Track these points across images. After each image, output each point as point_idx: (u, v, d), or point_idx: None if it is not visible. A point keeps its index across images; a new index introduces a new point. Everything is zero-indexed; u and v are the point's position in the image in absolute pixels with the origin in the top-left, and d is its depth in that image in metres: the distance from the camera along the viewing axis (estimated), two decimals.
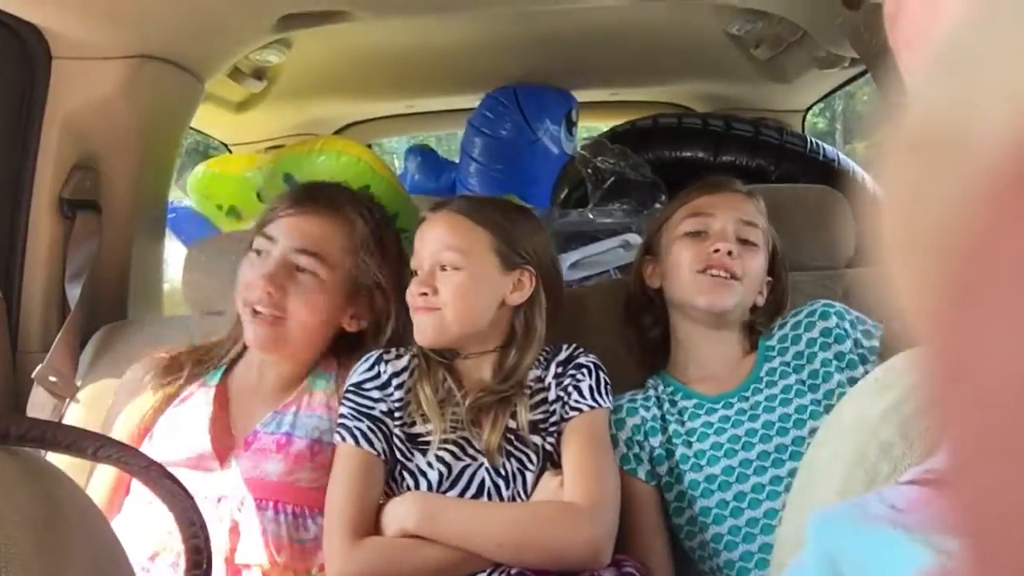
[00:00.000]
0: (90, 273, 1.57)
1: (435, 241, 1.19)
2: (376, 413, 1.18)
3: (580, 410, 1.18)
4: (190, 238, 1.96)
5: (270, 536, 1.17)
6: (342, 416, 1.18)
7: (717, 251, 1.24)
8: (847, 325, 1.26)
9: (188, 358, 1.32)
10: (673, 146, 2.42)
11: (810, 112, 2.90)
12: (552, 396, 1.20)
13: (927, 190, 0.16)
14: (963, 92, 0.16)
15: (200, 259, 1.58)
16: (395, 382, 1.20)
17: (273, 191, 2.27)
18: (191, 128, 2.14)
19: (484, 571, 1.09)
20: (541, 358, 1.23)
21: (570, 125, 2.81)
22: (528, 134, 2.70)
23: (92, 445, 0.62)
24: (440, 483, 1.14)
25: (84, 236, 1.59)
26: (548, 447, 1.17)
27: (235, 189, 2.38)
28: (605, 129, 2.73)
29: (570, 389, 1.19)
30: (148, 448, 1.23)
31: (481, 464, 1.15)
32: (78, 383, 1.48)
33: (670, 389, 1.29)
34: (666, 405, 1.27)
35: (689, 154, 2.40)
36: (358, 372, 1.22)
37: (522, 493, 1.14)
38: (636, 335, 1.38)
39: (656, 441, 1.24)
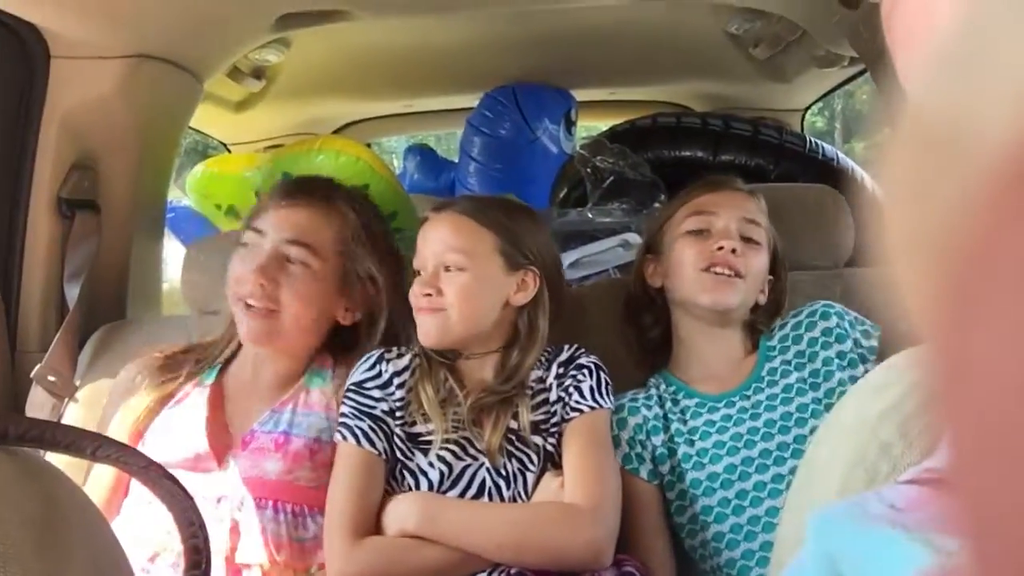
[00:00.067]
0: (89, 273, 1.57)
1: (439, 242, 1.19)
2: (377, 412, 1.17)
3: (581, 411, 1.18)
4: (189, 238, 1.96)
5: (270, 535, 1.17)
6: (343, 415, 1.18)
7: (721, 249, 1.24)
8: (847, 325, 1.27)
9: (183, 358, 1.32)
10: (672, 145, 2.42)
11: (809, 111, 2.90)
12: (553, 397, 1.20)
13: (929, 190, 0.16)
14: (964, 92, 0.16)
15: (199, 259, 1.58)
16: (396, 381, 1.20)
17: None
18: (190, 127, 2.14)
19: (484, 571, 1.09)
20: (542, 359, 1.23)
21: (569, 124, 2.81)
22: (527, 133, 2.70)
23: (91, 445, 0.62)
24: (441, 483, 1.14)
25: (83, 236, 1.59)
26: (549, 448, 1.17)
27: (234, 189, 2.38)
28: (604, 128, 2.73)
29: (571, 390, 1.19)
30: (143, 449, 1.23)
31: (482, 464, 1.15)
32: (77, 383, 1.48)
33: (672, 388, 1.29)
34: (668, 404, 1.27)
35: (688, 153, 2.40)
36: (359, 371, 1.21)
37: (523, 494, 1.14)
38: (636, 334, 1.38)
39: (658, 440, 1.24)
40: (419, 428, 1.17)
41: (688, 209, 1.31)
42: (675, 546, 1.24)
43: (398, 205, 1.69)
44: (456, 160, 2.99)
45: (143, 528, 1.16)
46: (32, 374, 1.45)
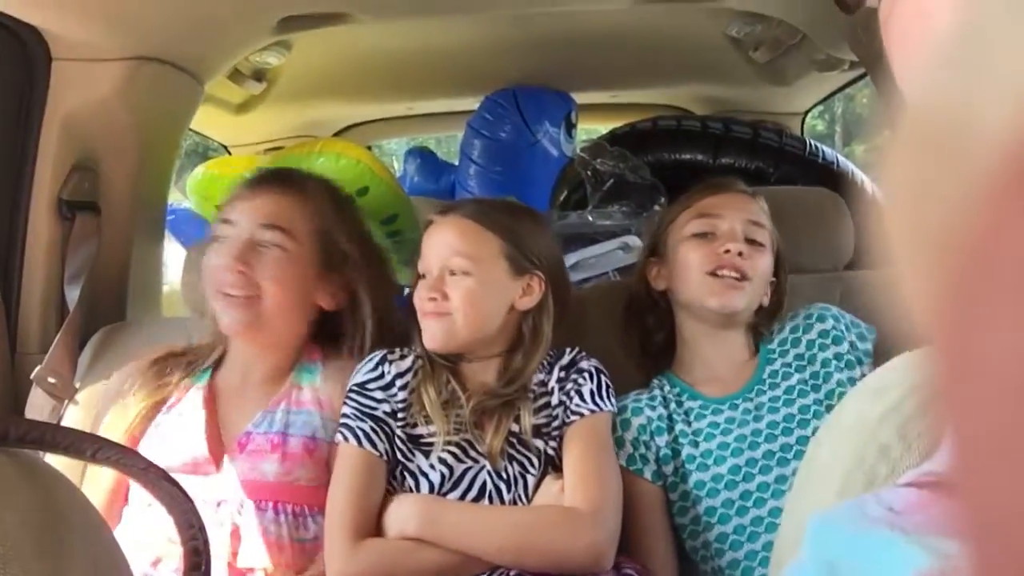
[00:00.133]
0: (89, 274, 1.57)
1: (444, 246, 1.19)
2: (379, 414, 1.17)
3: (582, 414, 1.18)
4: (189, 240, 1.96)
5: (272, 537, 1.17)
6: (345, 416, 1.18)
7: (727, 252, 1.24)
8: (843, 327, 1.28)
9: (173, 362, 1.31)
10: (672, 148, 2.43)
11: (809, 114, 2.90)
12: (555, 400, 1.20)
13: (929, 189, 0.16)
14: (963, 90, 0.16)
15: (199, 261, 1.57)
16: (399, 383, 1.20)
17: None
18: (190, 130, 2.14)
19: (484, 574, 1.09)
20: (544, 362, 1.23)
21: (569, 127, 2.81)
22: (527, 136, 2.70)
23: (91, 447, 0.62)
24: (441, 485, 1.14)
25: (83, 237, 1.59)
26: (550, 451, 1.17)
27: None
28: (604, 131, 2.73)
29: (572, 393, 1.19)
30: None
31: (483, 467, 1.15)
32: (76, 384, 1.48)
33: (676, 389, 1.29)
34: (672, 405, 1.27)
35: (688, 156, 2.41)
36: (362, 372, 1.21)
37: (523, 497, 1.14)
38: (639, 337, 1.38)
39: (662, 441, 1.24)
40: (420, 430, 1.17)
41: (692, 212, 1.30)
42: (676, 547, 1.24)
43: (398, 208, 1.69)
44: (456, 163, 2.99)
45: (145, 532, 1.16)
46: (32, 376, 1.45)
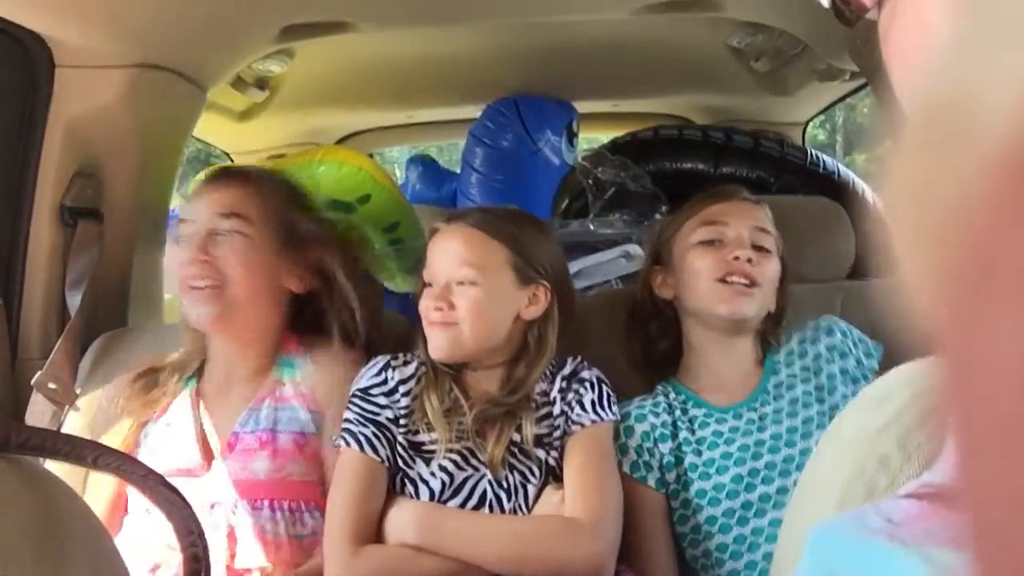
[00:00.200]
0: (91, 280, 1.57)
1: (450, 255, 1.18)
2: (381, 419, 1.17)
3: (583, 424, 1.17)
4: None
5: (268, 535, 1.17)
6: (347, 420, 1.18)
7: (736, 258, 1.24)
8: (850, 343, 1.27)
9: (157, 376, 1.32)
10: (673, 158, 2.43)
11: (810, 124, 2.91)
12: (557, 410, 1.20)
13: (932, 184, 0.16)
14: (969, 80, 0.16)
15: None
16: (402, 389, 1.20)
17: None
18: (193, 137, 2.14)
19: None
20: (547, 372, 1.22)
21: (571, 136, 2.81)
22: (529, 145, 2.70)
23: (91, 454, 0.62)
24: (442, 492, 1.14)
25: (85, 244, 1.59)
26: (551, 461, 1.17)
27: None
28: (606, 140, 2.73)
29: (573, 403, 1.19)
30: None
31: (483, 475, 1.15)
32: (77, 390, 1.48)
33: (681, 397, 1.29)
34: (677, 412, 1.27)
35: (689, 166, 2.41)
36: (366, 377, 1.21)
37: (523, 506, 1.14)
38: (642, 345, 1.37)
39: (666, 448, 1.24)
40: (422, 437, 1.17)
41: (698, 220, 1.30)
42: (677, 555, 1.23)
43: (400, 216, 1.70)
44: (458, 171, 2.99)
45: (143, 537, 1.16)
46: (33, 381, 1.45)
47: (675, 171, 2.40)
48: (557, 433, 1.18)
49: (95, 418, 1.36)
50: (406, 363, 1.23)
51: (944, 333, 0.16)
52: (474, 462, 1.15)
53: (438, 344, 1.17)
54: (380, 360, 1.23)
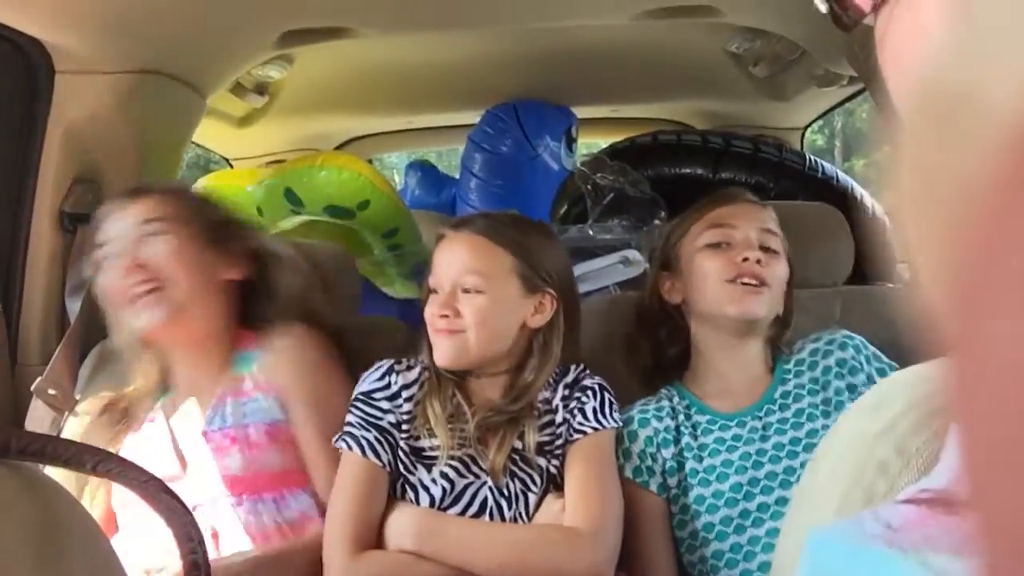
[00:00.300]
0: (90, 286, 1.57)
1: (456, 263, 1.18)
2: (384, 424, 1.17)
3: (584, 432, 1.17)
4: None
5: (253, 528, 1.18)
6: (349, 424, 1.18)
7: (745, 260, 1.24)
8: (863, 359, 1.26)
9: (121, 408, 1.32)
10: (672, 163, 2.43)
11: (809, 129, 2.91)
12: (559, 419, 1.19)
13: (943, 159, 0.16)
14: (978, 60, 0.16)
15: None
16: (405, 394, 1.19)
17: (273, 206, 2.28)
18: (192, 142, 2.14)
19: None
20: (550, 380, 1.22)
21: (570, 141, 2.82)
22: (528, 150, 2.71)
23: (92, 459, 0.62)
24: (442, 499, 1.14)
25: (85, 250, 1.59)
26: (552, 469, 1.17)
27: (236, 204, 2.38)
28: (605, 146, 2.74)
29: (575, 411, 1.19)
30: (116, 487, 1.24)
31: (484, 483, 1.15)
32: (77, 396, 1.48)
33: (685, 402, 1.29)
34: (680, 417, 1.27)
35: (688, 171, 2.41)
36: (368, 381, 1.21)
37: (524, 514, 1.14)
38: (651, 351, 1.36)
39: (668, 453, 1.24)
40: (424, 443, 1.17)
41: (704, 223, 1.30)
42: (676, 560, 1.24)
43: (399, 221, 1.70)
44: (457, 176, 3.00)
45: (143, 546, 1.16)
46: (32, 387, 1.45)
47: (674, 176, 2.40)
48: (559, 441, 1.18)
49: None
50: (409, 368, 1.22)
51: (952, 325, 0.16)
52: (475, 469, 1.15)
53: (443, 352, 1.17)
54: (384, 364, 1.23)
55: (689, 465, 1.23)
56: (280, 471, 1.22)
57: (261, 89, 2.39)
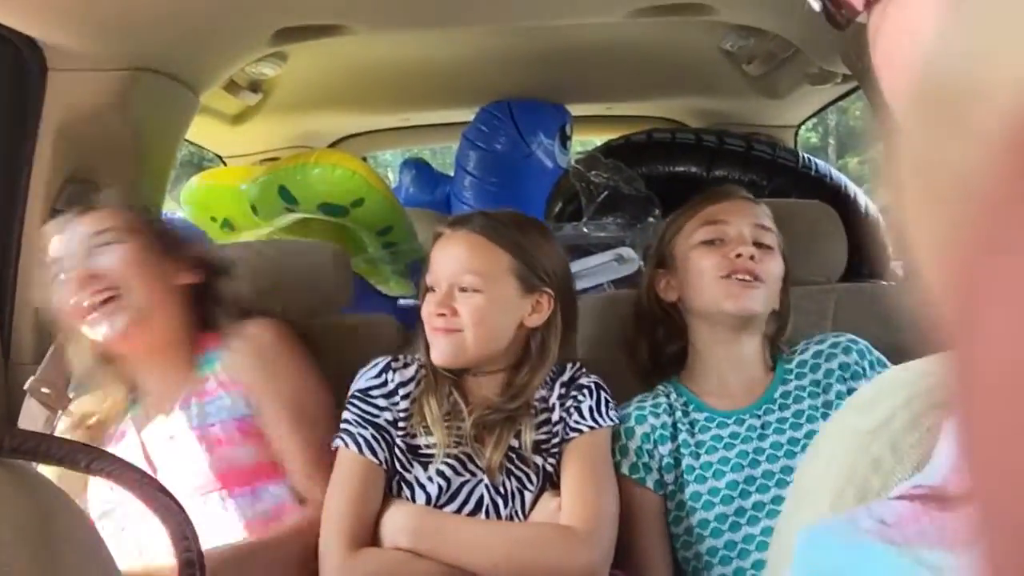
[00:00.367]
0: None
1: (454, 261, 1.18)
2: (381, 422, 1.17)
3: (580, 431, 1.17)
4: None
5: (227, 524, 1.18)
6: (346, 421, 1.18)
7: (739, 256, 1.24)
8: (866, 364, 1.25)
9: (92, 426, 1.32)
10: (667, 161, 2.43)
11: (803, 127, 2.92)
12: (556, 417, 1.19)
13: (941, 156, 0.16)
14: (978, 46, 0.16)
15: None
16: (401, 392, 1.19)
17: (267, 203, 2.28)
18: (186, 140, 2.14)
19: None
20: (547, 378, 1.22)
21: (564, 139, 2.82)
22: (522, 148, 2.71)
23: (85, 458, 0.62)
24: (439, 497, 1.14)
25: None
26: (549, 468, 1.17)
27: (230, 201, 2.38)
28: (599, 143, 2.74)
29: (571, 410, 1.19)
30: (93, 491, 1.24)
31: (480, 481, 1.15)
32: (70, 395, 1.48)
33: (683, 399, 1.29)
34: (678, 413, 1.27)
35: (682, 169, 2.41)
36: (365, 378, 1.21)
37: (520, 513, 1.14)
38: (649, 350, 1.36)
39: (665, 449, 1.24)
40: (420, 441, 1.17)
41: (698, 220, 1.30)
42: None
43: (393, 219, 1.70)
44: (451, 174, 3.00)
45: (136, 543, 1.16)
46: (26, 386, 1.45)
47: (668, 174, 2.41)
48: (555, 440, 1.18)
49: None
50: (406, 365, 1.22)
51: (951, 320, 0.16)
52: (472, 467, 1.15)
53: (441, 351, 1.17)
54: (380, 361, 1.23)
55: (686, 462, 1.23)
56: (252, 465, 1.22)
57: (255, 86, 2.38)
